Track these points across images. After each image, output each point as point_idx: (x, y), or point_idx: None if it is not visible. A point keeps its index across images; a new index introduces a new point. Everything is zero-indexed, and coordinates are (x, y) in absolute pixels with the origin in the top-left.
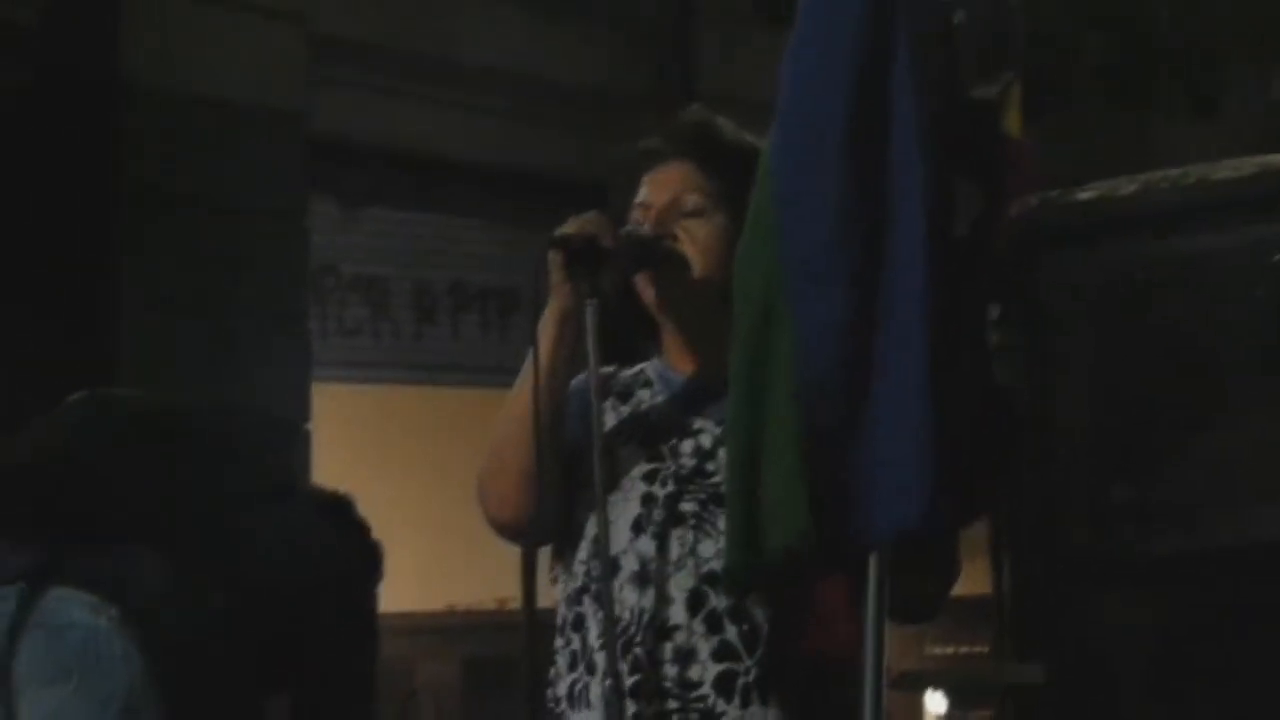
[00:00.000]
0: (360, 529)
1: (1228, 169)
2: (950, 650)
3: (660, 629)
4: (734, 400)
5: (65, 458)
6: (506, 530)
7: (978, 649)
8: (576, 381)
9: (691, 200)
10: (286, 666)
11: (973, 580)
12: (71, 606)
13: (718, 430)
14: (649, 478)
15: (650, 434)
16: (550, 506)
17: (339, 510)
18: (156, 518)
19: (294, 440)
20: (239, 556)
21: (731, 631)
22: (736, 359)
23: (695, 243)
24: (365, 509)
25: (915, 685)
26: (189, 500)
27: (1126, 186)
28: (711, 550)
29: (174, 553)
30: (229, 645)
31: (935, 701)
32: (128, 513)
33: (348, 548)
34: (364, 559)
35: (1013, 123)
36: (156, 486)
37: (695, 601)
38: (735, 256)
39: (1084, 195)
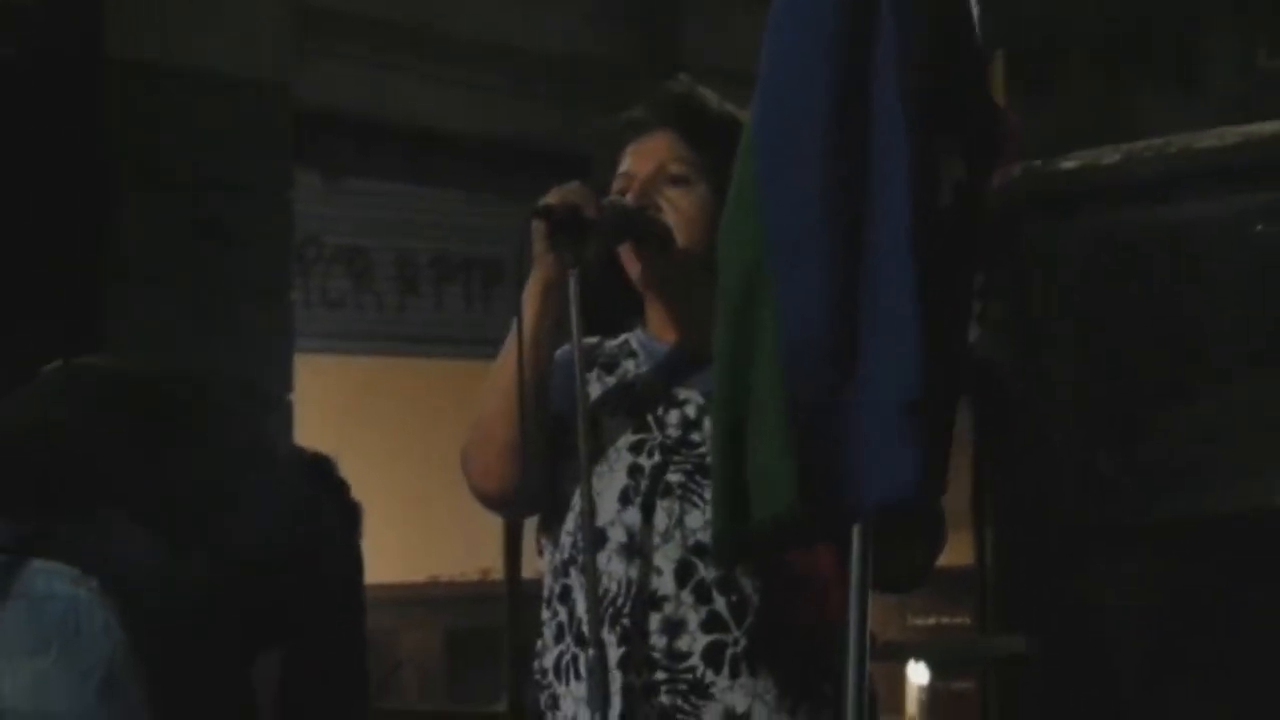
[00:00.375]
0: (340, 488)
1: (1211, 138)
2: (932, 621)
3: (648, 600)
4: (719, 372)
5: (42, 429)
6: (491, 501)
7: (959, 620)
8: (561, 352)
9: (675, 170)
10: (274, 627)
11: (954, 551)
12: (52, 578)
13: (703, 400)
14: (635, 448)
15: (635, 404)
16: (535, 478)
17: (319, 471)
18: (136, 486)
19: (271, 405)
20: (221, 522)
21: (720, 602)
22: (721, 331)
23: (678, 213)
24: (348, 480)
25: (897, 656)
26: (168, 467)
27: (1110, 156)
28: (699, 521)
29: (155, 521)
30: (212, 612)
31: (918, 672)
32: (107, 482)
33: (329, 508)
34: (345, 518)
35: (996, 94)
36: (135, 455)
37: (683, 572)
38: (719, 229)
39: (1067, 164)
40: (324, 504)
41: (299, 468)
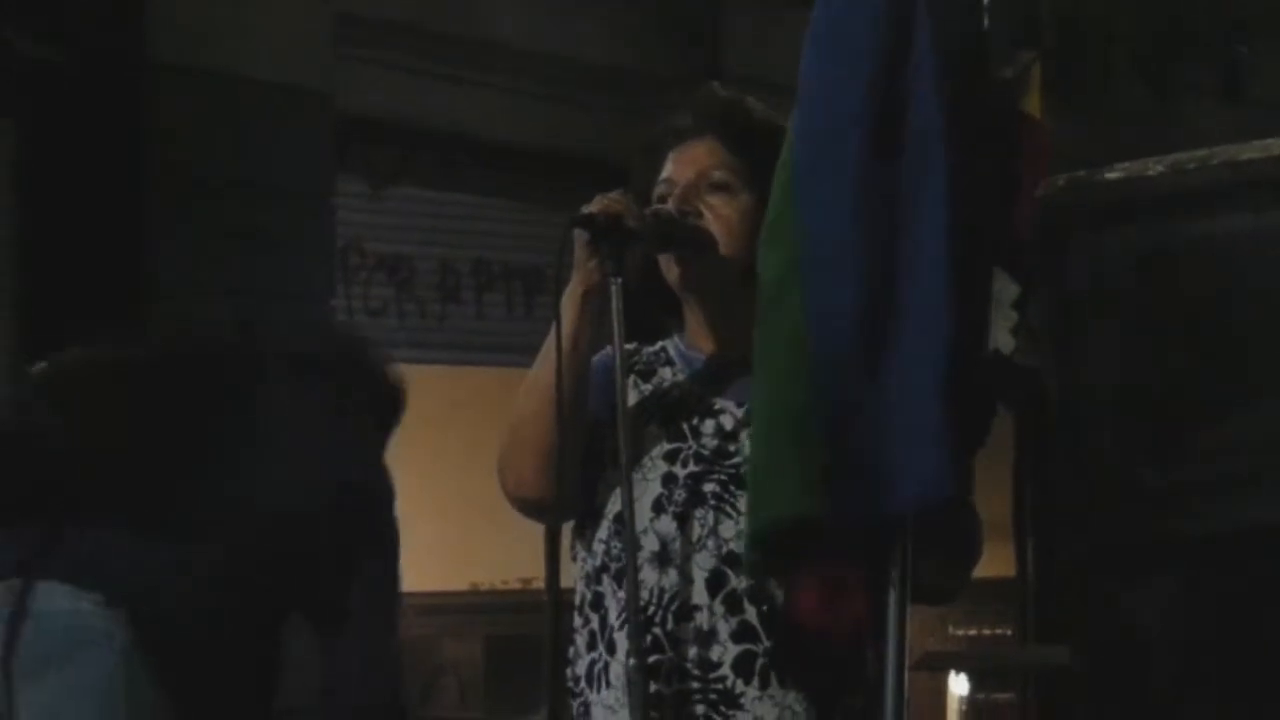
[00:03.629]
0: (375, 378)
1: (1255, 149)
2: (973, 632)
3: (681, 609)
4: (755, 374)
5: (28, 440)
6: (527, 508)
7: (1000, 631)
8: (598, 359)
9: (717, 177)
10: (299, 591)
11: (994, 563)
12: (53, 595)
13: (739, 410)
14: (670, 457)
15: (671, 413)
16: (571, 484)
17: (352, 367)
18: (138, 489)
19: (320, 321)
20: (229, 509)
21: (751, 612)
22: (758, 332)
23: (720, 220)
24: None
25: (939, 667)
26: (178, 461)
27: (1154, 167)
28: (732, 531)
29: (160, 523)
30: (227, 601)
31: (959, 684)
32: (104, 489)
33: (361, 444)
34: (380, 411)
35: (1033, 104)
36: (135, 456)
37: (716, 582)
38: (759, 236)
39: (1111, 176)
40: (356, 442)
41: (331, 379)
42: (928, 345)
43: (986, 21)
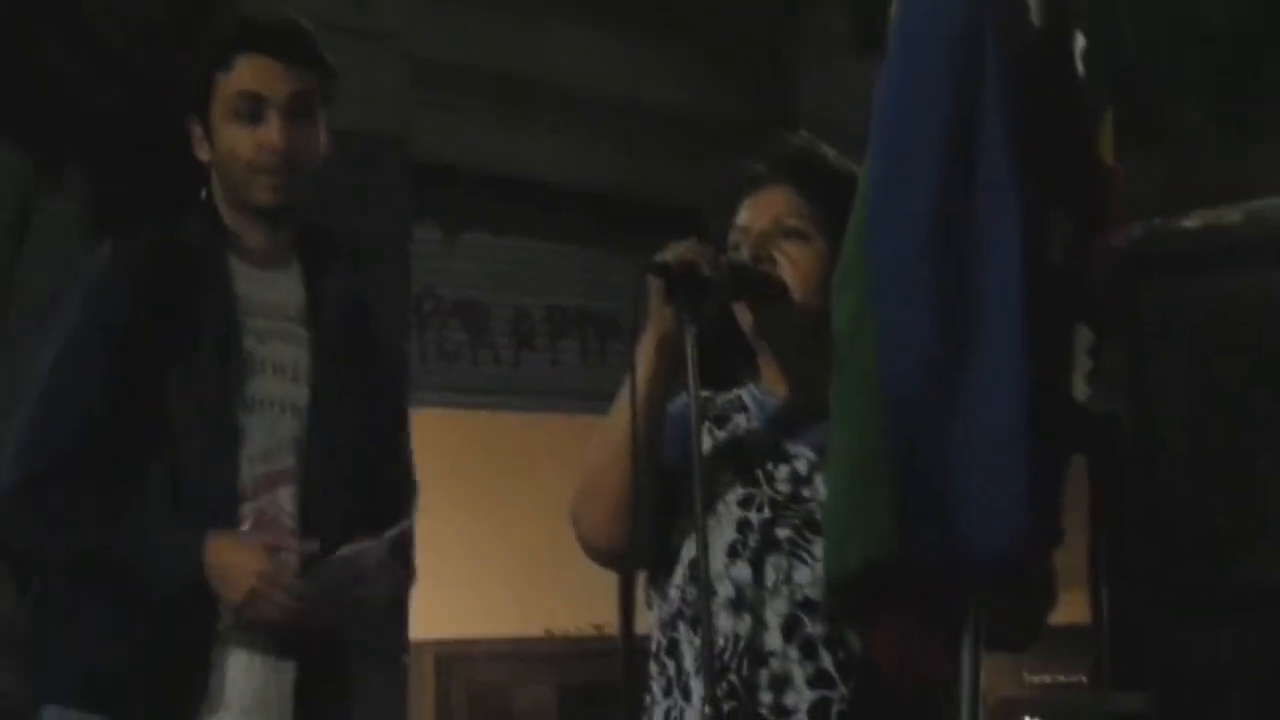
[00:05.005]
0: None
1: None
2: (1048, 679)
3: (756, 655)
4: (833, 419)
5: None
6: (601, 556)
7: (1075, 678)
8: (673, 406)
9: (791, 224)
10: None
11: (1071, 609)
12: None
13: (813, 456)
14: (744, 503)
15: (746, 459)
16: (645, 532)
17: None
18: None
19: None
20: None
21: (827, 658)
22: (834, 379)
23: (794, 267)
24: (465, 535)
25: (1014, 713)
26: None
27: (1231, 215)
28: (807, 576)
29: None
30: None
31: None
32: None
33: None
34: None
35: (1105, 149)
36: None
37: (791, 628)
38: (833, 280)
39: (1188, 224)
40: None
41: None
42: (1006, 391)
43: (1081, 70)
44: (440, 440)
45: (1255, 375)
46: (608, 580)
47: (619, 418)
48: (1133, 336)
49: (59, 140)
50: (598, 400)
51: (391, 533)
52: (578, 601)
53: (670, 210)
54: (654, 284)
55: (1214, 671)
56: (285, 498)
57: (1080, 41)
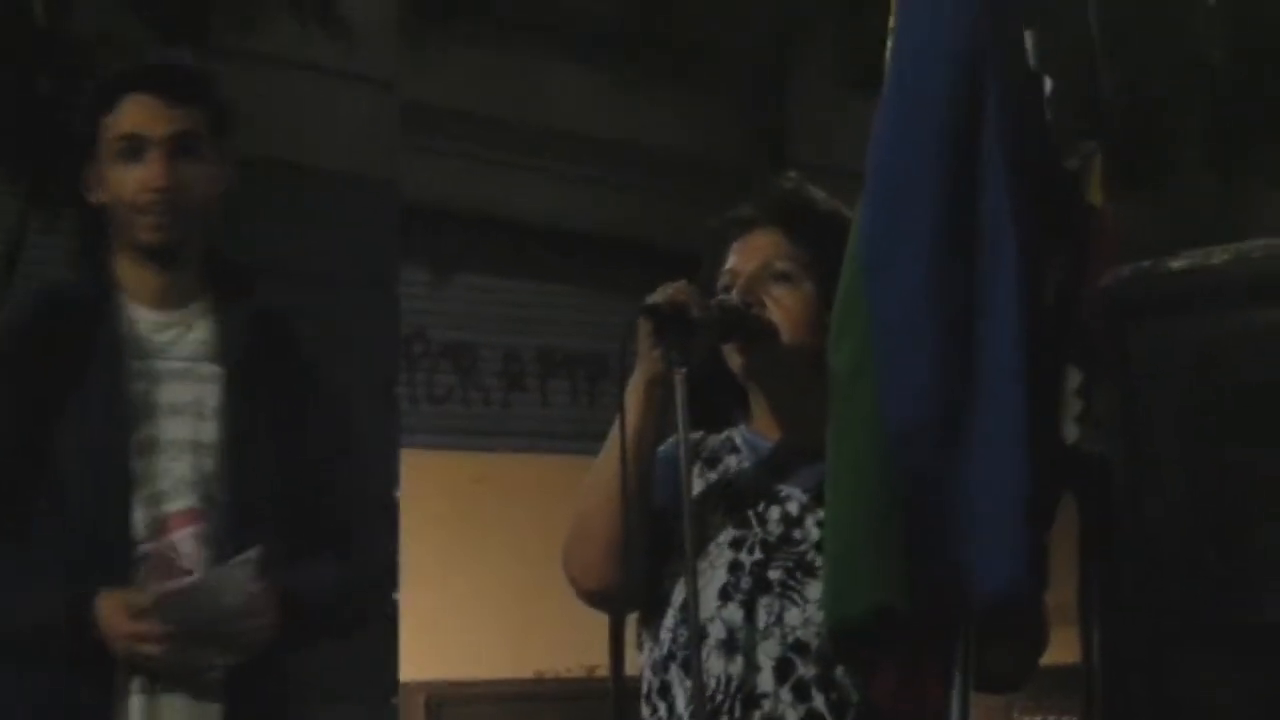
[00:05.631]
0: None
1: None
2: (1039, 719)
3: (748, 697)
4: (829, 464)
5: None
6: (592, 598)
7: (1066, 718)
8: (663, 448)
9: (780, 267)
10: None
11: (1061, 648)
12: None
13: (805, 497)
14: (736, 545)
15: (737, 501)
16: (637, 574)
17: None
18: None
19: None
20: None
21: (819, 700)
22: (831, 424)
23: (782, 309)
24: (455, 576)
25: None
26: None
27: (1219, 255)
28: (799, 618)
29: None
30: None
31: None
32: None
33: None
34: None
35: (1094, 193)
36: None
37: (783, 670)
38: (824, 326)
39: (1176, 264)
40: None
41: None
42: (1006, 437)
43: (1049, 114)
44: (431, 481)
45: (1244, 414)
46: (599, 622)
47: (609, 459)
48: (1122, 377)
49: (51, 173)
50: (588, 441)
51: (245, 556)
52: (569, 643)
53: (660, 252)
54: (643, 326)
55: (1207, 710)
56: (184, 538)
57: (1049, 85)
